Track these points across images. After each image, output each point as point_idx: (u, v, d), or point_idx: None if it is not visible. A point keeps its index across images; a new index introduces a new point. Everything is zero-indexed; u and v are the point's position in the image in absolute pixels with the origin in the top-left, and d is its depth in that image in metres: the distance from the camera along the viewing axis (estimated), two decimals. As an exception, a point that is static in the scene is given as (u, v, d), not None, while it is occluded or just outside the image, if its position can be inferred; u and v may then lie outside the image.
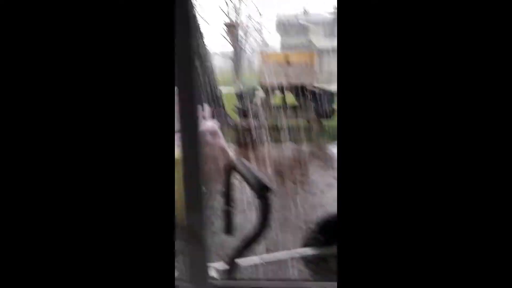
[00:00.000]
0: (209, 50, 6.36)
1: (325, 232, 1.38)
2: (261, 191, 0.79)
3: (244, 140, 4.85)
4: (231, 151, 4.54)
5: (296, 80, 5.28)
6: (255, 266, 1.53)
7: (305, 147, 5.08)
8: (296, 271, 1.77)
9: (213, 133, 4.35)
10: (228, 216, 0.98)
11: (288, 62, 5.31)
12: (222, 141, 4.38)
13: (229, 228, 0.97)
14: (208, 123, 4.23)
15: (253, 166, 0.91)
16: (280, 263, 1.83)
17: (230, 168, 0.96)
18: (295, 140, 5.21)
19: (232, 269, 0.89)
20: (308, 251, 1.36)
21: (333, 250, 1.29)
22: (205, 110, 4.56)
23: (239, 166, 0.92)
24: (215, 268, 1.10)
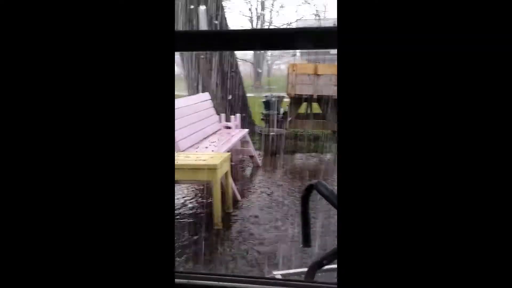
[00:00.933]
0: (236, 58, 6.53)
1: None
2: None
3: (271, 148, 4.98)
4: (259, 159, 4.69)
5: (323, 91, 5.39)
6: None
7: (329, 157, 5.16)
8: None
9: (244, 141, 4.51)
10: (305, 230, 1.12)
11: (316, 73, 5.43)
12: (252, 148, 4.54)
13: (306, 241, 1.11)
14: (240, 131, 4.39)
15: (332, 186, 1.05)
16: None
17: (311, 188, 1.10)
18: (321, 149, 5.31)
19: (309, 274, 1.03)
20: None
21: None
22: (237, 118, 4.72)
23: (320, 187, 1.06)
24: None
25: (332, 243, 2.58)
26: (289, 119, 5.60)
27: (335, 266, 1.48)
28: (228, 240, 2.69)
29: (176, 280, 0.60)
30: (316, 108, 5.84)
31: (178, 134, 3.34)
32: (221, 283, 0.61)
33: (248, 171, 4.39)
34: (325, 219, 2.98)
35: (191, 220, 2.99)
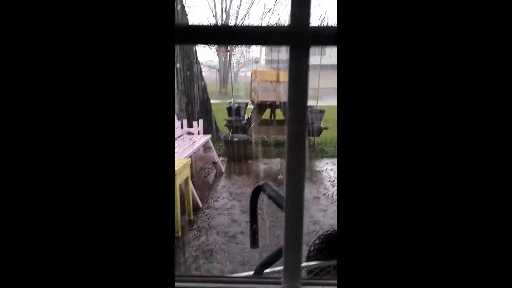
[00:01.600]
0: (200, 64, 6.49)
1: (327, 246, 1.52)
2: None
3: (234, 154, 4.97)
4: (222, 165, 4.66)
5: (285, 98, 5.48)
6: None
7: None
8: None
9: (207, 147, 4.46)
10: (254, 233, 1.12)
11: (277, 80, 5.53)
12: (214, 154, 4.50)
13: (255, 243, 1.11)
14: (202, 137, 4.34)
15: (279, 188, 1.06)
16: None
17: (258, 190, 1.10)
18: (283, 155, 5.36)
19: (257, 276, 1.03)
20: (312, 264, 1.50)
21: (334, 263, 1.44)
22: (200, 124, 4.66)
23: (266, 189, 1.07)
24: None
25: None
26: (252, 125, 5.63)
27: (280, 267, 1.50)
28: (180, 248, 2.63)
29: (176, 284, 0.60)
30: (279, 114, 5.93)
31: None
32: (220, 285, 0.61)
33: (210, 178, 4.34)
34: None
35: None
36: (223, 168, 4.59)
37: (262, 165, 4.92)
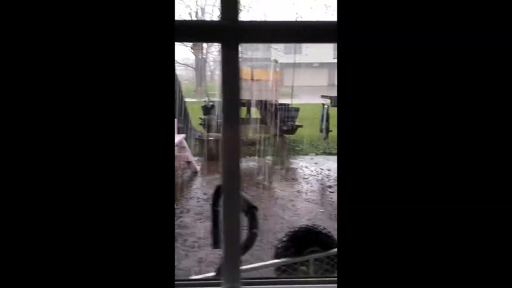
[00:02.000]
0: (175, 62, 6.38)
1: (295, 243, 1.54)
2: (249, 209, 0.94)
3: (209, 152, 4.94)
4: (197, 164, 4.61)
5: (261, 96, 5.50)
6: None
7: (269, 161, 5.26)
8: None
9: (181, 147, 4.40)
10: (215, 231, 1.11)
11: (252, 78, 5.53)
12: (188, 154, 4.44)
13: (216, 242, 1.10)
14: (176, 136, 4.28)
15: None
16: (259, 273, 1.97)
17: (219, 190, 1.09)
18: (260, 153, 5.39)
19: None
20: (282, 261, 1.51)
21: (303, 258, 1.45)
22: (175, 124, 4.59)
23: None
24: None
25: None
26: (227, 123, 5.60)
27: (251, 266, 1.50)
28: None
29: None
30: (255, 112, 5.93)
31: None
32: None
33: (185, 177, 4.29)
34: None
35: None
36: (198, 167, 4.55)
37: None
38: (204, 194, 3.72)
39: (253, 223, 0.92)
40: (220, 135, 5.17)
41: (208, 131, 5.44)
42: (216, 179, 4.18)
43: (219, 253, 2.23)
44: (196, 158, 4.78)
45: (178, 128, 4.76)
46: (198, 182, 4.16)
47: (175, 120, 4.59)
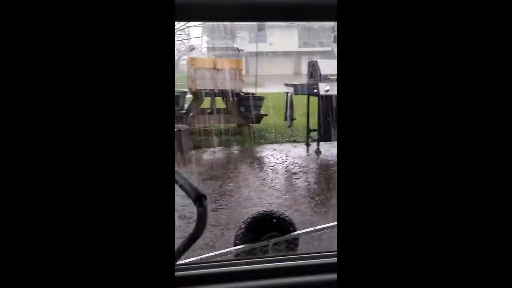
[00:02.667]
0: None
1: (253, 229, 1.56)
2: (198, 198, 0.93)
3: (177, 143, 4.85)
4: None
5: (225, 85, 5.45)
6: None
7: (234, 150, 5.27)
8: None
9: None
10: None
11: (215, 68, 5.46)
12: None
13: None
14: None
15: (188, 175, 1.05)
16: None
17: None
18: (225, 143, 5.37)
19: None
20: (241, 248, 1.53)
21: (261, 244, 1.48)
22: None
23: (176, 176, 1.04)
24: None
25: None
26: (191, 114, 5.52)
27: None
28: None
29: (176, 273, 0.59)
30: (219, 102, 5.88)
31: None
32: (221, 269, 0.61)
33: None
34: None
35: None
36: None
37: (206, 155, 4.87)
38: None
39: (201, 215, 0.91)
40: (184, 126, 5.09)
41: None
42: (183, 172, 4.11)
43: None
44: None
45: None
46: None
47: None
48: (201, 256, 1.65)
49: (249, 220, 1.58)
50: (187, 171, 4.10)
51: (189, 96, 5.92)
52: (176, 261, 1.06)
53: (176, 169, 1.12)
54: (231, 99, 5.59)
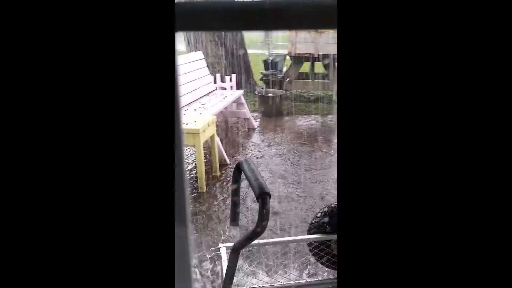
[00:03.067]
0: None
1: (330, 220, 1.46)
2: (261, 196, 0.88)
3: (268, 109, 4.87)
4: (255, 121, 4.62)
5: (326, 50, 5.12)
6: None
7: (329, 119, 5.03)
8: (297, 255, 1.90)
9: (239, 103, 4.42)
10: (234, 208, 1.09)
11: (317, 30, 5.12)
12: (246, 110, 4.45)
13: (234, 219, 1.08)
14: (233, 93, 4.29)
15: (257, 169, 0.99)
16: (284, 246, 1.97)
17: (240, 166, 1.04)
18: (321, 111, 5.17)
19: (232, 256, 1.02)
20: (315, 237, 1.46)
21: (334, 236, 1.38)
22: (233, 79, 4.58)
23: (244, 166, 1.00)
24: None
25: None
26: (287, 79, 5.41)
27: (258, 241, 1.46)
28: (207, 203, 2.74)
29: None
30: (319, 67, 5.60)
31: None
32: None
33: (241, 134, 4.35)
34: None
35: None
36: (255, 125, 4.56)
37: (298, 122, 4.79)
38: (259, 151, 3.75)
39: (262, 213, 0.86)
40: (280, 91, 5.04)
41: (270, 87, 5.33)
42: (273, 138, 4.16)
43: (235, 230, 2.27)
44: (254, 115, 4.78)
45: (238, 83, 4.74)
46: (254, 139, 4.19)
47: (234, 76, 4.57)
48: (273, 240, 1.65)
49: (326, 209, 1.49)
50: (278, 138, 4.12)
51: (288, 59, 5.78)
52: (233, 258, 1.05)
53: (245, 158, 1.08)
54: (330, 64, 5.26)
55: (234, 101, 4.28)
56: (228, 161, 3.40)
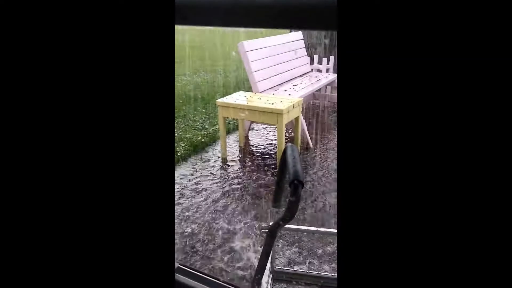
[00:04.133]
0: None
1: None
2: (294, 184, 0.86)
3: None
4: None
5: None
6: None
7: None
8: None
9: (333, 87, 4.25)
10: (279, 192, 1.09)
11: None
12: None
13: (276, 200, 1.09)
14: (329, 75, 4.13)
15: (300, 157, 0.97)
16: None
17: (287, 150, 1.04)
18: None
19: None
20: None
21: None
22: (330, 61, 4.41)
23: (288, 151, 0.99)
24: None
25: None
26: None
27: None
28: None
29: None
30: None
31: (258, 75, 3.39)
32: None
33: (332, 119, 4.20)
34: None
35: (259, 162, 3.16)
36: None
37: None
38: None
39: (291, 201, 0.85)
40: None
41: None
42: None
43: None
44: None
45: (336, 66, 4.54)
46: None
47: (332, 58, 4.36)
48: (306, 227, 1.61)
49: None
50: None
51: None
52: (269, 240, 1.05)
53: (292, 144, 1.06)
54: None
55: (328, 84, 4.14)
56: (311, 145, 3.35)
